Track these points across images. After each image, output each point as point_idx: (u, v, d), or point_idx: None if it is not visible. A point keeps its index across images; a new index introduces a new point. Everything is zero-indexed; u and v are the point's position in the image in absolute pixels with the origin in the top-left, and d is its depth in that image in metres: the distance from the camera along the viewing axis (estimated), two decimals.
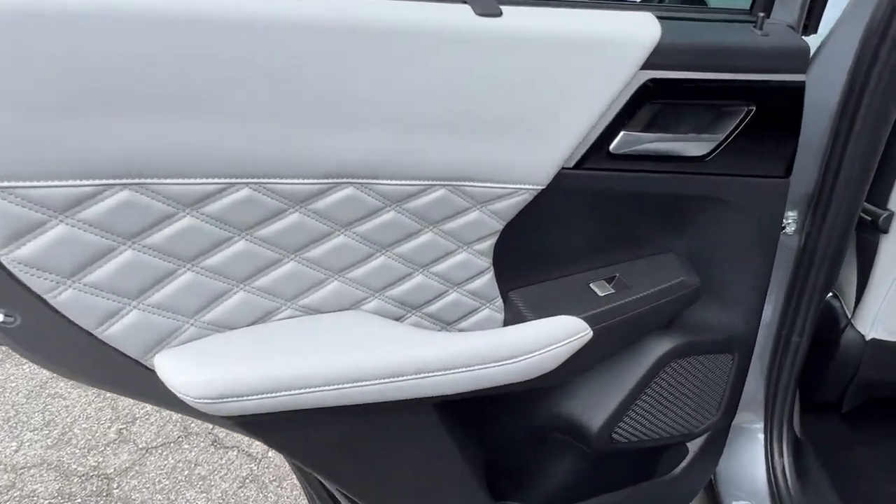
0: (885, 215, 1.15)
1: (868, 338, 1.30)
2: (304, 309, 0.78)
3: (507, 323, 0.88)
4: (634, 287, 0.90)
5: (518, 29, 0.72)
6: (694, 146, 0.83)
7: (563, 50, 0.73)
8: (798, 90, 0.85)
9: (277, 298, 0.76)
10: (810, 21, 0.91)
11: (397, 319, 0.83)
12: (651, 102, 0.78)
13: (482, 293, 0.85)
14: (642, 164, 0.82)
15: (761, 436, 1.27)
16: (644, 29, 0.76)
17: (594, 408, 0.98)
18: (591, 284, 0.89)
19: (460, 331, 0.87)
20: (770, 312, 1.21)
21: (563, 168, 0.78)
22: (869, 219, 1.17)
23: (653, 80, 0.77)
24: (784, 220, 1.14)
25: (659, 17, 0.78)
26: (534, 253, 0.87)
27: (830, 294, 1.42)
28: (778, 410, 1.29)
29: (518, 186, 0.76)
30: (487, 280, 0.84)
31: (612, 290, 0.89)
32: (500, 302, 0.87)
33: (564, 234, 0.87)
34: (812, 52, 1.03)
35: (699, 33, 0.81)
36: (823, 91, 1.04)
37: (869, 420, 1.51)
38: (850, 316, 1.32)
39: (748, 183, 0.88)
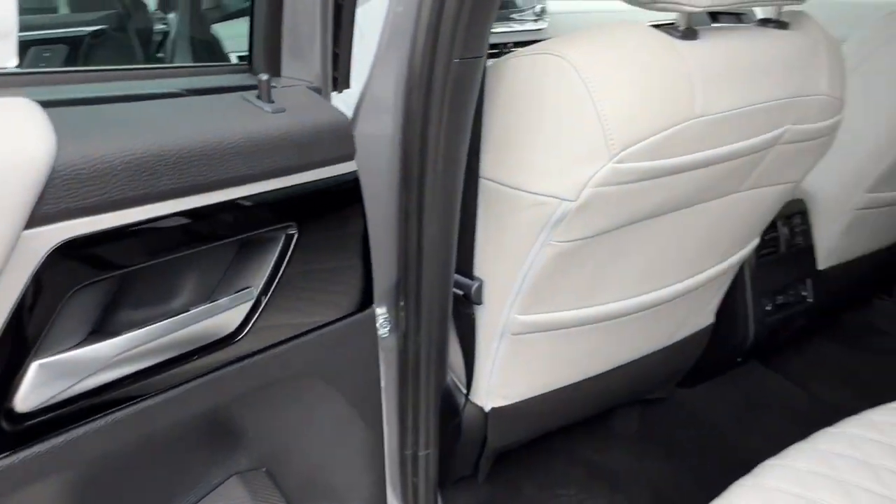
0: (475, 286, 0.99)
1: (488, 409, 1.16)
2: None
3: None
4: None
5: None
6: (209, 325, 0.47)
7: None
8: (351, 183, 0.56)
9: None
10: (339, 74, 0.63)
11: None
12: (89, 283, 0.38)
13: None
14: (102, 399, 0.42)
15: None
16: (14, 142, 0.35)
17: None
18: None
19: None
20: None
21: None
22: (461, 293, 1.00)
23: (71, 243, 0.37)
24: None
25: (50, 104, 0.38)
26: None
27: None
28: None
29: None
30: None
31: None
32: None
33: None
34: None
35: (140, 129, 0.44)
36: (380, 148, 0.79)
37: (505, 481, 1.43)
38: (466, 392, 1.15)
39: (318, 339, 0.56)
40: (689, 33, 0.85)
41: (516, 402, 1.17)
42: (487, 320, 1.03)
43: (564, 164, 0.82)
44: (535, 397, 1.18)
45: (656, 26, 0.88)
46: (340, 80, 0.66)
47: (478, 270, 0.99)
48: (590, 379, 1.23)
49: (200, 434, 0.53)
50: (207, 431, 0.54)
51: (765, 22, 0.96)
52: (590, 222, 0.88)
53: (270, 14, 0.56)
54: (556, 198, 0.84)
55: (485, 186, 0.91)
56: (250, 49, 0.58)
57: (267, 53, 0.57)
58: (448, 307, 0.90)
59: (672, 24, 0.87)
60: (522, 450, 1.46)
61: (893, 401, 1.01)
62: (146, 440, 0.46)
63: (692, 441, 1.59)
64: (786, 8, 0.94)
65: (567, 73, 0.79)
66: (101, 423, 0.43)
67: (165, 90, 0.47)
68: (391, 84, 0.74)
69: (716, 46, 0.87)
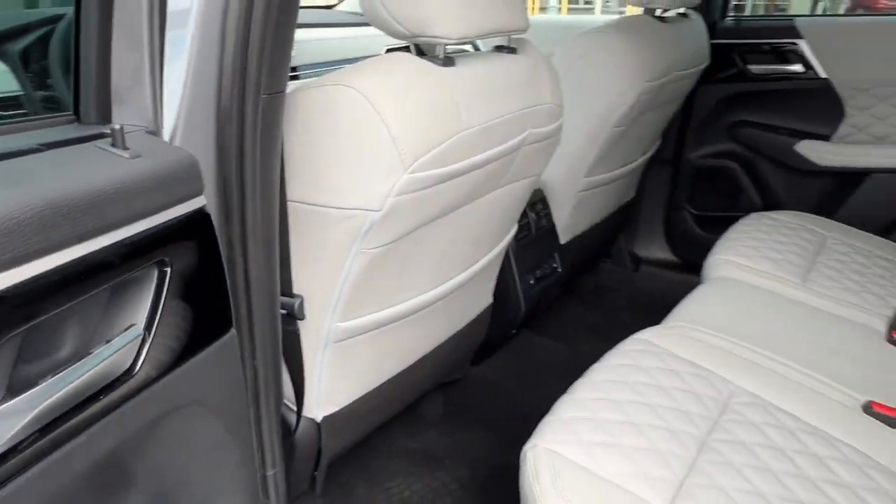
0: (297, 302, 1.04)
1: (320, 419, 1.22)
2: None
3: None
4: None
5: None
6: (107, 366, 0.48)
7: None
8: (206, 216, 0.60)
9: None
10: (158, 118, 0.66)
11: None
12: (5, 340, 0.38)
13: None
14: None
15: None
16: None
17: None
18: None
19: None
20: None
21: None
22: (284, 311, 1.04)
23: None
24: None
25: None
26: None
27: None
28: None
29: None
30: None
31: None
32: None
33: None
34: None
35: (30, 184, 0.45)
36: None
37: (338, 487, 1.49)
38: (298, 408, 1.20)
39: (196, 365, 0.58)
40: (448, 61, 1.02)
41: (345, 407, 1.25)
42: (311, 333, 1.09)
43: (368, 179, 0.93)
44: (362, 397, 1.27)
45: (395, 49, 1.03)
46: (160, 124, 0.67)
47: (297, 288, 1.05)
48: (404, 371, 1.36)
49: (96, 482, 0.52)
50: (102, 478, 0.53)
51: (500, 48, 1.18)
52: (394, 227, 1.00)
53: (98, 63, 0.56)
54: (365, 210, 0.94)
55: (295, 209, 0.98)
56: (76, 99, 0.57)
57: (97, 102, 0.57)
58: (278, 329, 0.95)
59: (407, 47, 1.03)
60: (350, 454, 1.54)
61: (631, 335, 1.30)
62: (51, 496, 0.45)
63: (492, 409, 1.81)
64: (513, 36, 1.17)
65: (360, 102, 0.90)
66: (12, 486, 0.40)
67: (20, 147, 0.46)
68: (201, 122, 0.77)
69: (468, 70, 1.05)
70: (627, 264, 2.52)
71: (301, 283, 1.05)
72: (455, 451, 1.67)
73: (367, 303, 1.11)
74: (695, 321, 1.42)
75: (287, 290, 1.04)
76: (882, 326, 1.46)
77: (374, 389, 1.30)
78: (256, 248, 0.85)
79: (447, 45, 1.01)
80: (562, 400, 1.13)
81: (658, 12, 1.85)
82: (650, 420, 1.08)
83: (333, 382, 1.19)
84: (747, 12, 2.28)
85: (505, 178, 1.23)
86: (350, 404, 1.25)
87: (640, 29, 1.72)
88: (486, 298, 1.59)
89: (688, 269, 2.34)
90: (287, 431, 1.19)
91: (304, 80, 0.94)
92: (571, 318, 2.25)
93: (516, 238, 1.67)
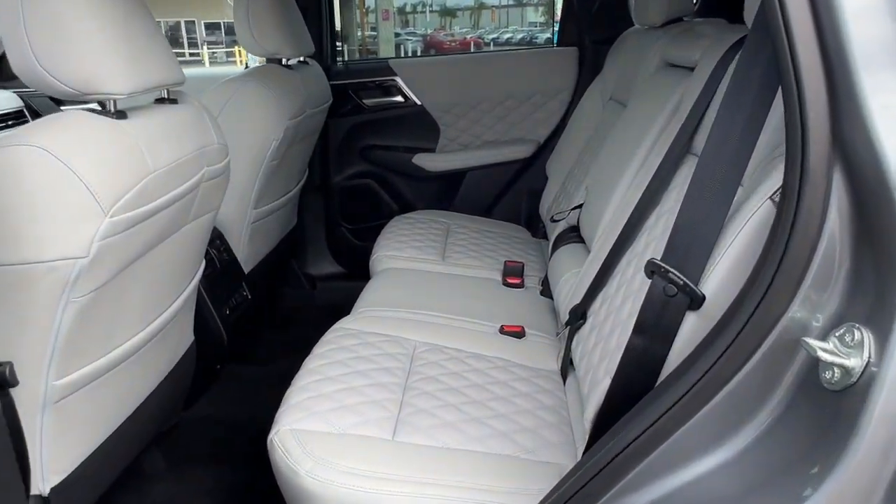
0: (7, 369, 1.01)
1: (48, 492, 1.16)
2: None
3: None
4: None
5: None
6: None
7: None
8: None
9: None
10: None
11: None
12: None
13: None
14: None
15: None
16: None
17: None
18: None
19: None
20: None
21: None
22: None
23: None
24: None
25: None
26: None
27: None
28: None
29: None
30: None
31: None
32: None
33: None
34: None
35: None
36: None
37: None
38: (26, 488, 1.13)
39: None
40: (121, 114, 1.12)
41: (72, 473, 1.21)
42: (27, 399, 1.06)
43: (70, 228, 0.98)
44: (87, 459, 1.25)
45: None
46: None
47: (2, 354, 1.02)
48: (125, 423, 1.36)
49: None
50: None
51: (161, 101, 1.30)
52: (101, 272, 1.06)
53: None
54: (70, 258, 0.99)
55: None
56: None
57: None
58: None
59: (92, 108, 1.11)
60: None
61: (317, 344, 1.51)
62: None
63: (217, 444, 1.86)
64: (172, 88, 1.30)
65: (46, 159, 0.96)
66: None
67: None
68: None
69: (142, 121, 1.16)
70: (305, 285, 2.77)
71: (6, 347, 1.02)
72: (189, 494, 1.70)
73: (82, 355, 1.12)
74: (374, 304, 1.74)
75: None
76: (498, 276, 1.99)
77: (99, 448, 1.28)
78: None
79: (117, 99, 1.11)
80: (288, 391, 1.31)
81: (284, 61, 2.14)
82: (362, 382, 1.34)
83: (57, 448, 1.15)
84: (346, 57, 2.75)
85: (190, 215, 1.36)
86: (76, 469, 1.22)
87: (274, 76, 1.99)
88: (188, 337, 1.66)
89: (356, 277, 2.69)
90: None
91: None
92: (268, 342, 2.41)
93: (204, 274, 1.77)
